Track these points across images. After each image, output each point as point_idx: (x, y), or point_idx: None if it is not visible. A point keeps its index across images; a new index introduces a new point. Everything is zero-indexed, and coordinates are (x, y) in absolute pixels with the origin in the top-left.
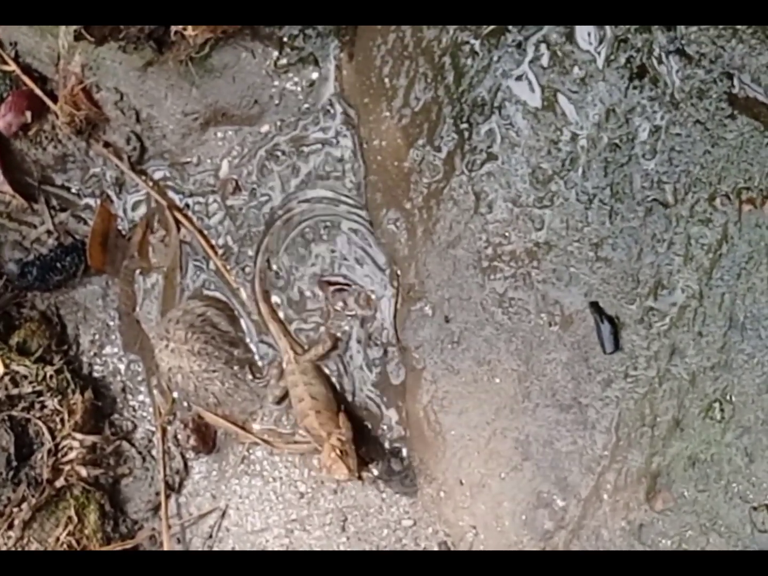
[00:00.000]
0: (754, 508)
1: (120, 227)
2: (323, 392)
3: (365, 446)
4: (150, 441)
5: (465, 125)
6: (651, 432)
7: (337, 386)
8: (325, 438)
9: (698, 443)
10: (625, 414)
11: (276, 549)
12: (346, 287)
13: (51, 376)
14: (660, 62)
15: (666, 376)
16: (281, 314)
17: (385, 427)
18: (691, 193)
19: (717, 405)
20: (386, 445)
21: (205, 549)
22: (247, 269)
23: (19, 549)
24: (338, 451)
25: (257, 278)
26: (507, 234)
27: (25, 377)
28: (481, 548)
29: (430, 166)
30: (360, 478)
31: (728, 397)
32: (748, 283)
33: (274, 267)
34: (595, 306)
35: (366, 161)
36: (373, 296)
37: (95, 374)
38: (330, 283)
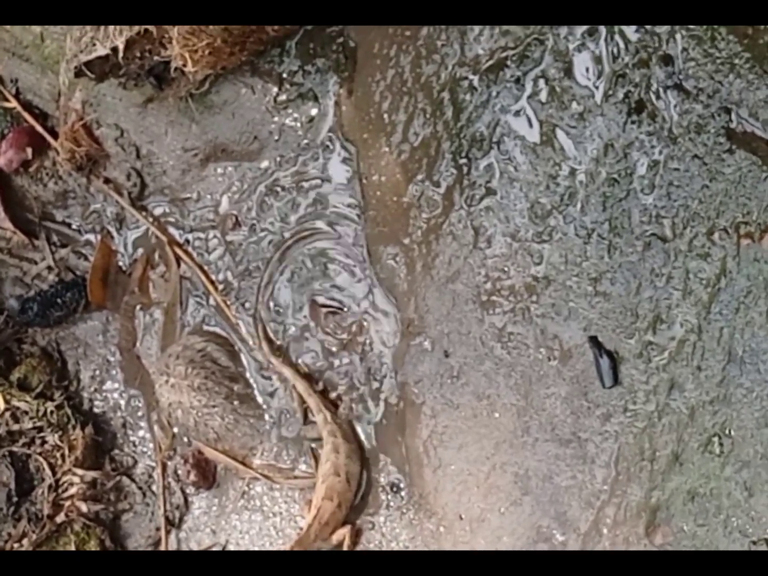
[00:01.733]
0: (754, 543)
1: (120, 263)
2: (356, 476)
3: (364, 487)
4: (150, 476)
5: (464, 160)
6: (650, 466)
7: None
8: (305, 543)
9: (697, 477)
10: (624, 448)
11: None
12: (338, 311)
13: (51, 412)
14: (658, 97)
15: (665, 410)
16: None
17: (384, 461)
18: (690, 228)
19: (716, 439)
20: (386, 480)
21: None
22: (247, 305)
23: None
24: None
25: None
26: (506, 269)
27: (26, 413)
28: None
29: (429, 201)
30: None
31: (727, 432)
32: (747, 318)
33: (272, 304)
34: (594, 340)
35: (365, 196)
36: (365, 323)
37: (96, 410)
38: (322, 306)
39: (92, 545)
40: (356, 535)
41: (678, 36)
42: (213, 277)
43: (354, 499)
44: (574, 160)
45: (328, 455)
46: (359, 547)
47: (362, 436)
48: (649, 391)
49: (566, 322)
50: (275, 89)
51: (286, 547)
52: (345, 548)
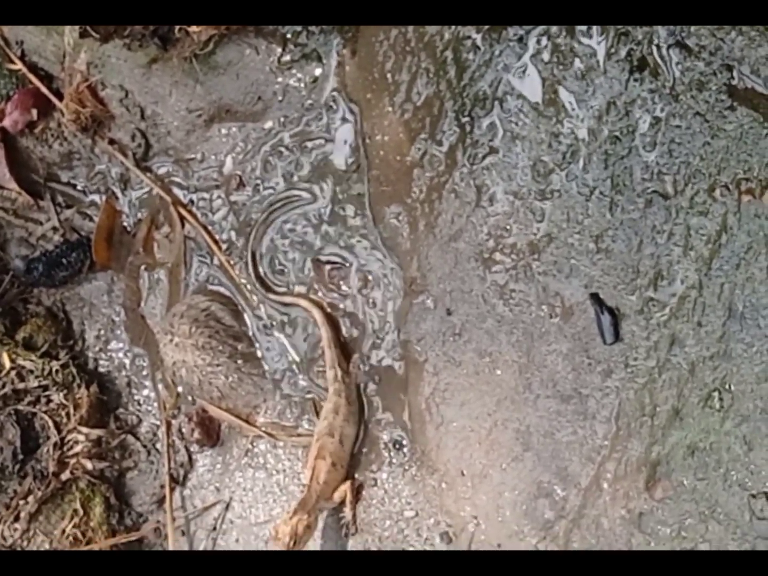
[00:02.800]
0: (753, 496)
1: (125, 224)
2: (351, 438)
3: (367, 444)
4: (155, 435)
5: (467, 119)
6: (651, 421)
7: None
8: (308, 504)
9: (697, 432)
10: (625, 404)
11: None
12: (341, 267)
13: (57, 371)
14: (660, 55)
15: (666, 366)
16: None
17: (386, 419)
18: (691, 185)
19: (716, 394)
20: (388, 437)
21: (210, 541)
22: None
23: (25, 541)
24: (292, 540)
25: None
26: (508, 227)
27: (31, 372)
28: (483, 538)
29: (432, 160)
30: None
31: (727, 387)
32: (747, 273)
33: (276, 262)
34: (595, 297)
35: (368, 156)
36: (370, 276)
37: (101, 369)
38: (326, 262)
39: (97, 502)
40: (357, 491)
41: None
42: (217, 237)
43: (350, 459)
44: (576, 118)
45: (327, 414)
46: (362, 503)
47: (364, 396)
48: (649, 347)
49: (568, 279)
50: (279, 50)
51: (290, 509)
52: (348, 504)
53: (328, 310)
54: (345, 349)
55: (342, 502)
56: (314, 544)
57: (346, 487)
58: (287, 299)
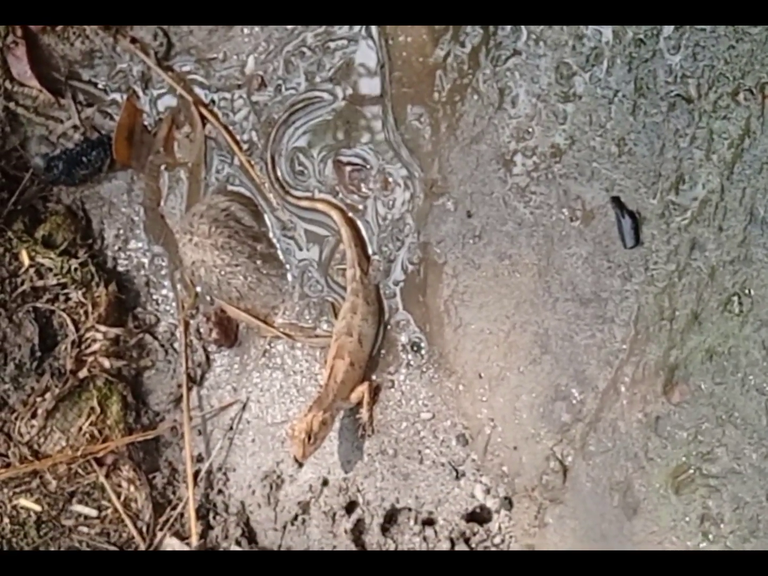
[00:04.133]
0: None
1: (146, 123)
2: (370, 338)
3: (385, 346)
4: (172, 334)
5: None
6: (669, 325)
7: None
8: (324, 402)
9: (716, 336)
10: (644, 308)
11: None
12: (362, 168)
13: (75, 269)
14: None
15: (686, 270)
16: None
17: (405, 321)
18: (715, 88)
19: (735, 298)
20: (406, 339)
21: (226, 440)
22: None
23: (42, 438)
24: (308, 436)
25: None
26: (530, 129)
27: (50, 269)
28: (499, 441)
29: (455, 61)
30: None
31: (747, 291)
32: None
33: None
34: (616, 201)
35: (391, 57)
36: (390, 178)
37: (119, 268)
38: (347, 164)
39: (114, 401)
40: (375, 392)
41: None
42: (238, 137)
43: (368, 359)
44: None
45: (345, 314)
46: (379, 405)
47: (384, 298)
48: (670, 251)
49: (589, 182)
50: None
51: (306, 408)
52: (365, 406)
53: (348, 212)
54: (365, 250)
55: (359, 404)
56: (330, 445)
57: (363, 388)
58: (304, 203)
